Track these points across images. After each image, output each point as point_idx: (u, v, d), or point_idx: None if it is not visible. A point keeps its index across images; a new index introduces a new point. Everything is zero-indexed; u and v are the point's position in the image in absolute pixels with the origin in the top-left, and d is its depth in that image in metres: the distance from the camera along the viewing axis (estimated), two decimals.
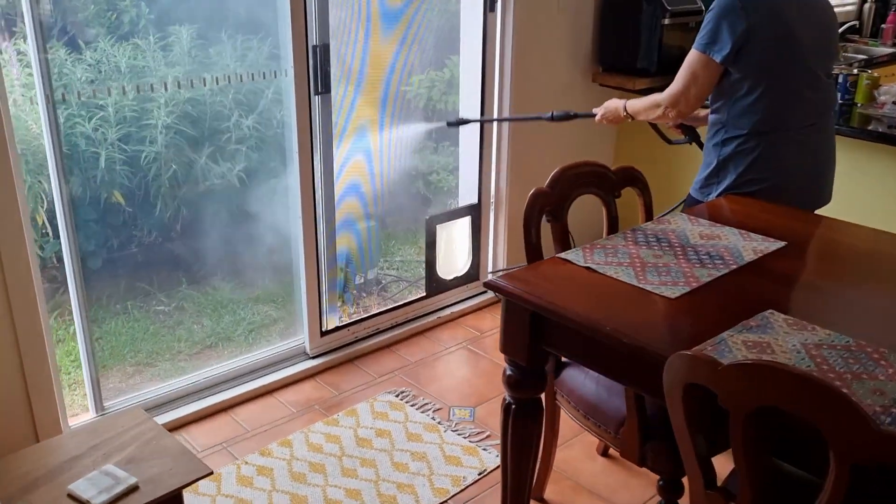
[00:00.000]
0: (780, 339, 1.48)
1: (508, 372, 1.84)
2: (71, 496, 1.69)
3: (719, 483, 1.42)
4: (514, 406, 1.86)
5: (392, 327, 3.21)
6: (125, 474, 1.73)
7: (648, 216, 2.22)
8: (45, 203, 2.79)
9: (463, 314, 3.39)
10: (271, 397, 2.81)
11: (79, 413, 2.65)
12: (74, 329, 2.53)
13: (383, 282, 3.85)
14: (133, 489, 1.70)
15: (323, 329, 3.01)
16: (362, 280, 3.74)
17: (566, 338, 1.70)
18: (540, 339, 1.74)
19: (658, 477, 1.86)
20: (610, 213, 2.16)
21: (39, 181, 2.77)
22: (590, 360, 1.72)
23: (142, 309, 3.22)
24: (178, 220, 3.16)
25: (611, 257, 1.85)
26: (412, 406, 2.75)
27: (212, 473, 1.77)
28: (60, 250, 2.45)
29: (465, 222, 3.37)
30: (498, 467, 2.25)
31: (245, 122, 3.05)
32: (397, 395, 2.81)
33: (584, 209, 2.28)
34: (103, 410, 2.58)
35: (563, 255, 1.89)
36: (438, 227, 3.26)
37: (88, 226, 2.96)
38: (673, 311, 1.63)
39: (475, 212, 3.37)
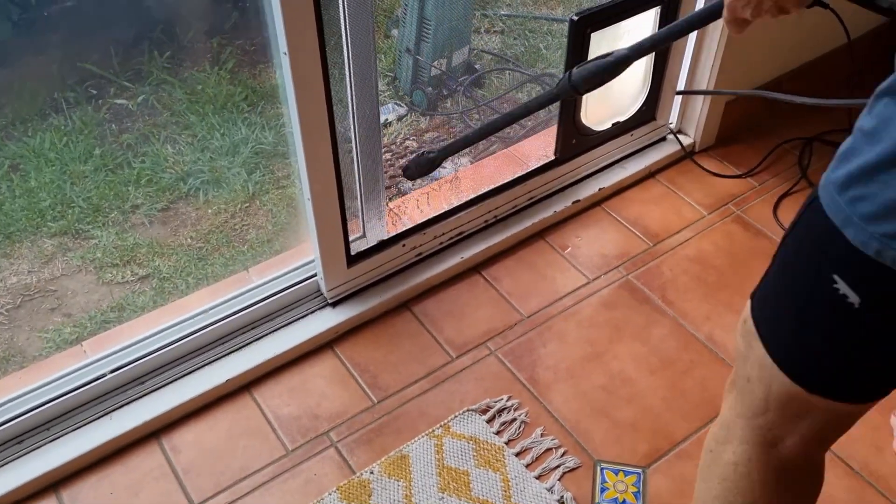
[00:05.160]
0: None
1: None
2: None
3: None
4: None
5: (484, 227, 1.70)
6: None
7: None
8: None
9: (621, 188, 1.83)
10: (242, 401, 1.45)
11: None
12: None
13: (478, 67, 2.34)
14: None
15: (352, 249, 1.54)
16: (440, 70, 2.27)
17: None
18: None
19: None
20: None
21: None
22: None
23: (91, 106, 2.12)
24: None
25: None
26: (516, 454, 1.36)
27: None
28: None
29: (646, 20, 1.66)
30: None
31: None
32: (490, 419, 1.40)
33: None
34: None
35: None
36: (594, 35, 1.57)
37: None
38: None
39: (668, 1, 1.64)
